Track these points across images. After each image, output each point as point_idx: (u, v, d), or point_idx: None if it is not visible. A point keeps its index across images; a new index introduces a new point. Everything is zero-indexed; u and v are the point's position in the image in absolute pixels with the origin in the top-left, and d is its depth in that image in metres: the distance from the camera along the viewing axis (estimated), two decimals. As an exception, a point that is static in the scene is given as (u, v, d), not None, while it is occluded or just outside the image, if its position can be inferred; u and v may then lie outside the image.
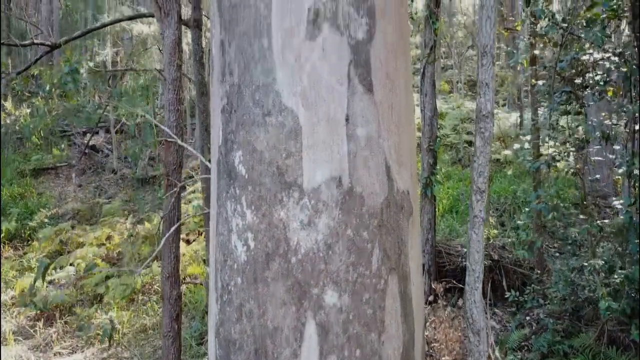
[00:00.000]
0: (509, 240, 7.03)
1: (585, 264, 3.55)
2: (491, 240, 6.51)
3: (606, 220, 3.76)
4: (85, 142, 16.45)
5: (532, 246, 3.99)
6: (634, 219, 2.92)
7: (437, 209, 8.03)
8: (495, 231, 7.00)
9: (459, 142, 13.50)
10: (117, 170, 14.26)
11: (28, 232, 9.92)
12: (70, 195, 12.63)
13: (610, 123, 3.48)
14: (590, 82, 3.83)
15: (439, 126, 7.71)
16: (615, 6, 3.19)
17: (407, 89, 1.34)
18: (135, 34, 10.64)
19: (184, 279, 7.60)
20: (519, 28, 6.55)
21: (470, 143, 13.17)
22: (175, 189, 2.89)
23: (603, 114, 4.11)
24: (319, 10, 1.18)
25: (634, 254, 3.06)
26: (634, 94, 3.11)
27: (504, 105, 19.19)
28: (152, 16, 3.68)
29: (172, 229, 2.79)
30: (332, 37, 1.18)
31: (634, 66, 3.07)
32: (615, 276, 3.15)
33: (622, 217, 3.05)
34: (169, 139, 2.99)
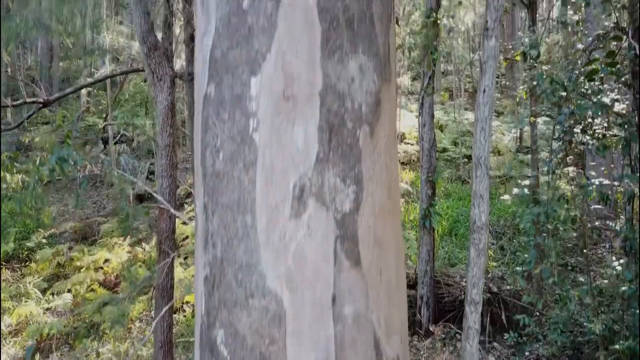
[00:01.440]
0: (508, 270, 6.98)
1: (589, 325, 3.50)
2: (490, 274, 6.46)
3: (605, 281, 3.71)
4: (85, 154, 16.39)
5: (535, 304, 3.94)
6: (635, 288, 2.87)
7: (436, 232, 7.97)
8: (494, 263, 6.94)
9: (459, 156, 13.44)
10: (115, 184, 14.21)
11: (26, 253, 9.89)
12: (68, 212, 12.60)
13: (609, 183, 3.45)
14: (589, 132, 3.79)
15: (438, 147, 7.65)
16: (614, 69, 3.15)
17: (397, 248, 1.29)
18: (135, 53, 10.61)
19: (181, 306, 7.56)
20: (518, 58, 6.50)
21: (469, 158, 13.12)
22: (168, 260, 2.86)
23: (602, 168, 4.07)
24: (304, 185, 1.14)
25: (635, 323, 3.01)
26: (633, 160, 3.07)
27: (502, 113, 19.12)
28: (144, 70, 3.65)
29: (165, 308, 2.75)
30: (317, 214, 1.14)
31: (634, 132, 3.03)
32: (617, 345, 3.11)
33: (624, 288, 3.01)
34: (162, 206, 2.95)
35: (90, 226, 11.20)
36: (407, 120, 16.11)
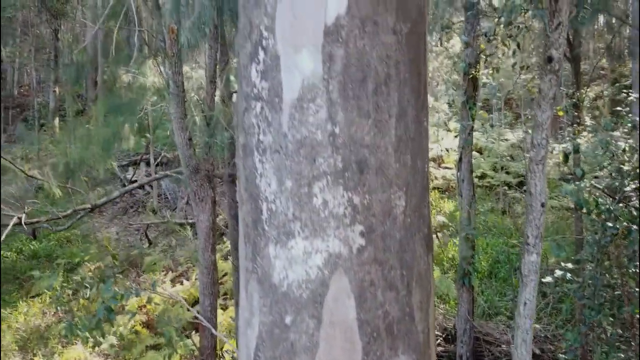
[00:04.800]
0: (552, 325, 6.80)
1: None
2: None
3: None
4: (128, 176, 16.89)
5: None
6: None
7: (475, 276, 7.80)
8: (537, 325, 6.76)
9: (499, 183, 13.12)
10: (157, 211, 14.59)
11: (73, 289, 10.27)
12: (112, 239, 13.00)
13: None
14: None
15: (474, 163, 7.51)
16: None
17: None
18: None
19: (221, 354, 7.70)
20: (561, 113, 6.34)
21: (509, 186, 12.81)
22: (210, 381, 2.94)
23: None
24: None
25: None
26: None
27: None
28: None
29: None
30: None
31: None
32: None
33: None
34: (203, 324, 3.04)
35: (134, 257, 11.55)
36: (446, 142, 15.82)
